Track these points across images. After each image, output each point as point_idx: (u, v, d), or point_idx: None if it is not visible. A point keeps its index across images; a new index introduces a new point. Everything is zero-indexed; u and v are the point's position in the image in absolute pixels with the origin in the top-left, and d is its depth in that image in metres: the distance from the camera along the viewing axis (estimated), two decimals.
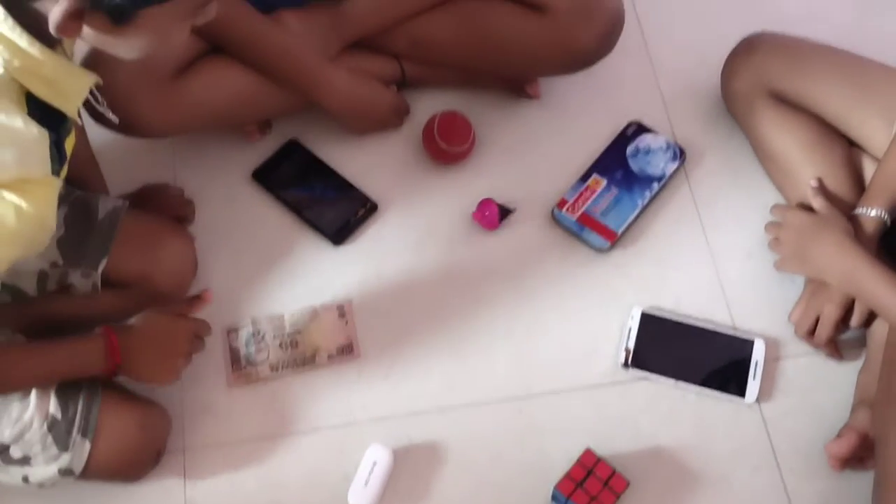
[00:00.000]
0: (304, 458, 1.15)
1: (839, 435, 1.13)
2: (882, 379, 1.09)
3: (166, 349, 1.08)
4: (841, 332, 1.19)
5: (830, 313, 1.16)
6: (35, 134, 0.84)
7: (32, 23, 0.80)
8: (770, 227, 1.23)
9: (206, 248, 1.27)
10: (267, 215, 1.32)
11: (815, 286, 1.19)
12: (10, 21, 0.79)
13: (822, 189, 1.20)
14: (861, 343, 1.20)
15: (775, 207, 1.24)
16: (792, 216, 1.20)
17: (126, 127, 1.19)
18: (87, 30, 0.79)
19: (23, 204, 0.83)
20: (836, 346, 1.19)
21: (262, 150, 1.36)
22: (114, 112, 1.16)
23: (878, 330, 1.16)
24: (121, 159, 1.29)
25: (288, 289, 1.26)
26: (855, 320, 1.16)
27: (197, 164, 1.35)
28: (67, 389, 1.02)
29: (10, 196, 0.82)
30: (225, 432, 1.17)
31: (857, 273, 1.11)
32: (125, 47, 0.84)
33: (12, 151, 0.82)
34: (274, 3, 1.24)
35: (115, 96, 1.14)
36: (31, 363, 1.01)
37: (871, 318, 1.16)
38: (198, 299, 1.13)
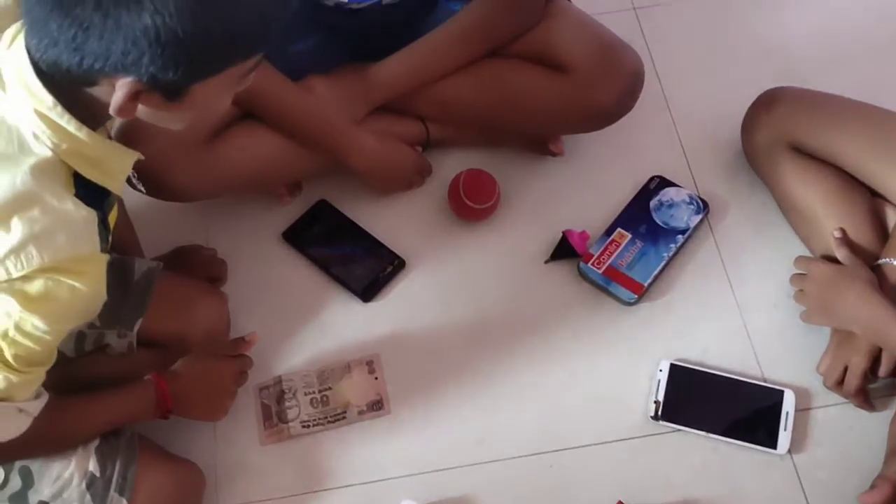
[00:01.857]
0: None
1: (873, 485, 1.11)
2: None
3: (214, 390, 1.15)
4: (870, 382, 1.18)
5: (858, 364, 1.16)
6: (84, 215, 0.86)
7: (80, 107, 0.83)
8: (795, 279, 1.24)
9: (238, 306, 1.30)
10: (297, 274, 1.34)
11: (841, 336, 1.19)
12: (59, 108, 0.82)
13: (846, 240, 1.21)
14: (892, 391, 1.19)
15: (799, 259, 1.25)
16: (815, 268, 1.21)
17: (161, 191, 1.23)
18: (140, 107, 0.82)
19: (77, 284, 0.86)
20: (867, 396, 1.19)
21: (292, 210, 1.39)
22: (149, 178, 1.20)
23: None
24: (154, 222, 1.33)
25: (318, 346, 1.28)
26: (883, 370, 1.16)
27: (228, 226, 1.39)
28: (106, 448, 1.04)
29: (65, 279, 0.85)
30: (257, 490, 1.18)
31: (882, 324, 1.11)
32: (175, 119, 0.87)
33: (65, 234, 0.84)
34: (302, 69, 1.29)
35: (151, 163, 1.17)
36: (90, 416, 1.05)
37: None
38: (242, 341, 1.17)
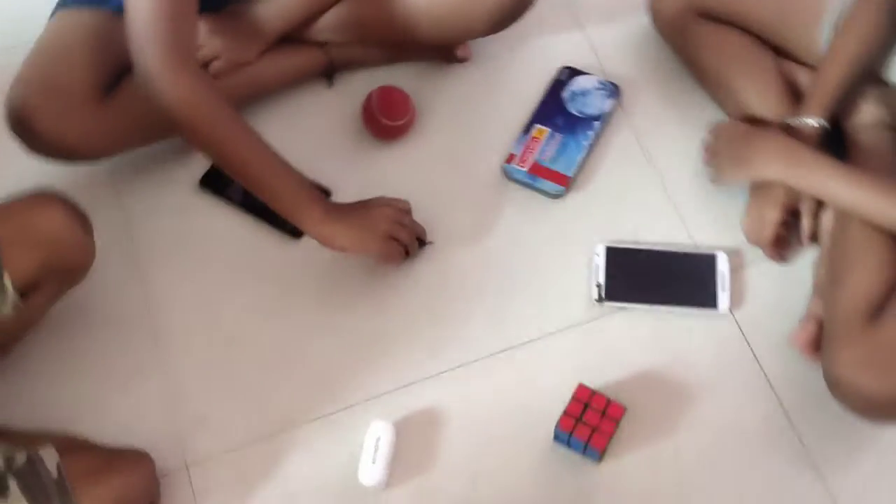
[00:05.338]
0: (308, 450, 1.15)
1: (800, 324, 1.18)
2: (828, 260, 1.16)
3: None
4: (792, 239, 1.24)
5: (772, 216, 1.21)
6: None
7: None
8: (707, 139, 1.27)
9: (165, 266, 1.27)
10: (222, 221, 1.31)
11: (756, 193, 1.24)
12: None
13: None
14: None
15: (710, 127, 1.28)
16: (727, 126, 1.24)
17: (57, 152, 1.18)
18: None
19: None
20: (780, 249, 1.24)
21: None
22: (43, 138, 1.15)
23: (828, 220, 1.21)
24: (56, 181, 1.23)
25: (257, 290, 1.26)
26: (805, 223, 1.21)
27: (140, 183, 1.34)
28: (37, 491, 0.95)
29: None
30: (223, 440, 1.16)
31: (796, 157, 1.16)
32: None
33: None
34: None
35: (43, 121, 1.13)
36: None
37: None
38: None
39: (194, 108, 1.06)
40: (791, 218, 1.22)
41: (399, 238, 1.20)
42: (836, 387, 1.07)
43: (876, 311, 1.07)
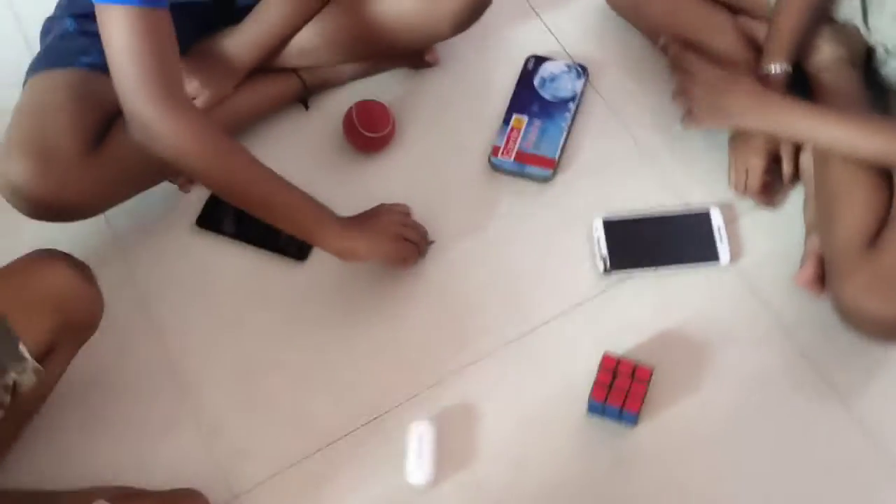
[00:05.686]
0: (353, 461, 1.17)
1: (801, 264, 1.23)
2: (816, 199, 1.21)
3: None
4: (777, 184, 1.29)
5: (756, 165, 1.26)
6: None
7: None
8: (678, 77, 1.29)
9: (177, 309, 1.28)
10: (225, 256, 1.32)
11: (737, 145, 1.29)
12: None
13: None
14: (797, 181, 1.30)
15: (681, 61, 1.29)
16: (701, 72, 1.26)
17: (53, 214, 1.18)
18: None
19: None
20: (768, 195, 1.29)
21: (196, 196, 1.36)
22: (38, 202, 1.14)
23: (808, 161, 1.26)
24: (56, 243, 1.19)
25: (272, 317, 1.27)
26: (786, 167, 1.26)
27: (138, 233, 1.34)
28: None
29: None
30: (268, 468, 1.17)
31: (769, 105, 1.20)
32: None
33: None
34: None
35: (37, 186, 1.13)
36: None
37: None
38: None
39: (198, 147, 1.06)
40: (774, 163, 1.27)
41: (409, 238, 1.23)
42: (846, 315, 1.11)
43: (871, 240, 1.12)
